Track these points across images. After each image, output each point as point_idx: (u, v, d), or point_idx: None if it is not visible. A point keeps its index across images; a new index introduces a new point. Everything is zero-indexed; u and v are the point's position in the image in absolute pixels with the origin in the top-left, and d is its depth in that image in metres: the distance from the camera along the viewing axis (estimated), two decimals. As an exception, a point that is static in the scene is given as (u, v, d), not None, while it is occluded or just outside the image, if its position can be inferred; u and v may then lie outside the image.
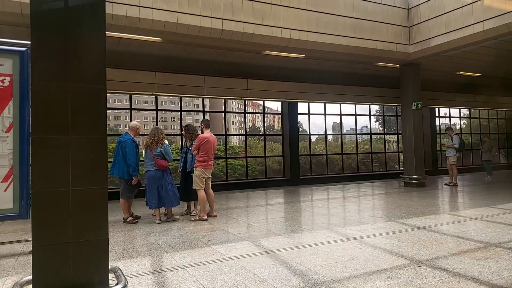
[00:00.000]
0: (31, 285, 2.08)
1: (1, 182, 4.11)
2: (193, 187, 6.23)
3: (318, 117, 13.47)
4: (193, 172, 6.59)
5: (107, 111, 2.34)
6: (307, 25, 8.19)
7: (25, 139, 4.15)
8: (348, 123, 14.66)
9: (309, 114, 13.08)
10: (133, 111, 10.39)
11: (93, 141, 2.16)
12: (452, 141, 10.75)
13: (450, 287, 2.93)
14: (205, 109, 12.15)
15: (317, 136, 13.93)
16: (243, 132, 12.38)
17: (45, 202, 2.06)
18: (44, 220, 2.06)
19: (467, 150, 15.99)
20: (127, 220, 6.12)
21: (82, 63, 2.19)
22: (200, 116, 11.85)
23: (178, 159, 7.78)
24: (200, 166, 6.16)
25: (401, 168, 14.19)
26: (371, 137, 14.64)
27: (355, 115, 14.23)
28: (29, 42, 2.06)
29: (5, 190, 4.12)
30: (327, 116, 13.59)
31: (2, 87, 4.11)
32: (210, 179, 6.44)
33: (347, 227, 5.40)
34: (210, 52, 9.34)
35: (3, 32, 6.96)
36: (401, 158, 14.07)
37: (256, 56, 9.77)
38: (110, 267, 2.24)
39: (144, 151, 6.17)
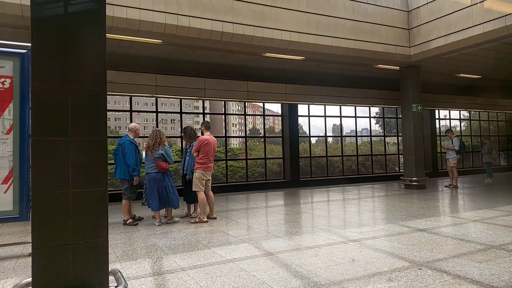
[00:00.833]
0: (30, 287, 2.08)
1: (1, 184, 4.10)
2: (193, 189, 6.23)
3: (318, 119, 13.48)
4: (188, 175, 6.59)
5: (107, 113, 2.34)
6: (307, 27, 8.20)
7: (25, 141, 4.16)
8: (348, 125, 14.65)
9: (309, 116, 13.09)
10: (133, 113, 10.40)
11: (93, 143, 2.16)
12: (452, 143, 10.75)
13: (450, 290, 2.93)
14: (205, 111, 12.16)
15: (317, 138, 13.93)
16: (243, 134, 12.38)
17: (45, 204, 2.06)
18: (44, 222, 2.06)
19: (467, 152, 15.99)
20: (127, 222, 6.11)
21: (83, 65, 2.19)
22: (200, 118, 11.86)
23: (179, 161, 7.78)
24: (200, 168, 6.16)
25: (401, 170, 14.18)
26: (371, 139, 14.64)
27: (355, 117, 14.25)
28: (30, 44, 2.06)
29: (5, 192, 4.11)
30: (327, 118, 13.60)
31: (3, 89, 4.12)
32: (210, 181, 6.44)
33: (347, 229, 5.39)
34: (210, 54, 9.35)
35: (4, 34, 6.98)
36: (401, 160, 14.07)
37: (256, 58, 9.79)
38: (110, 269, 2.24)
39: (145, 153, 6.17)
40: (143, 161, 6.44)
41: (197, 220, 6.13)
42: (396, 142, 15.43)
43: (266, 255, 4.09)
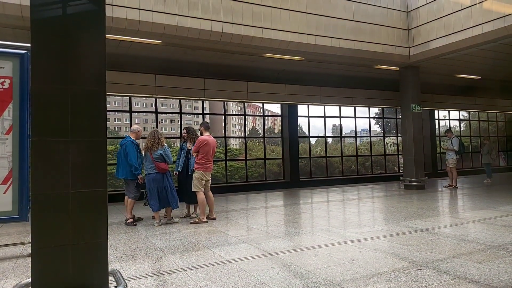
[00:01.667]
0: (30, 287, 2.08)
1: (1, 184, 4.10)
2: (192, 190, 6.23)
3: (318, 120, 13.49)
4: (188, 175, 6.61)
5: (107, 113, 2.34)
6: (306, 27, 8.21)
7: (24, 141, 4.16)
8: (348, 126, 14.65)
9: (308, 116, 13.09)
10: (133, 114, 10.39)
11: (93, 144, 2.16)
12: (451, 143, 10.76)
13: (450, 290, 2.93)
14: (205, 112, 12.16)
15: (316, 138, 13.93)
16: (243, 135, 12.38)
17: (44, 205, 2.06)
18: (43, 223, 2.06)
19: (466, 152, 16.00)
20: (127, 222, 6.12)
21: (82, 66, 2.19)
22: (200, 119, 11.85)
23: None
24: (200, 169, 6.16)
25: (400, 171, 14.19)
26: (370, 139, 14.65)
27: (355, 117, 14.25)
28: (29, 45, 2.06)
29: (4, 193, 4.11)
30: (326, 118, 13.61)
31: (2, 89, 4.12)
32: (210, 181, 6.44)
33: (347, 229, 5.39)
34: (210, 55, 9.35)
35: (4, 35, 6.98)
36: (401, 160, 14.08)
37: (256, 59, 9.79)
38: (109, 269, 2.23)
39: (144, 154, 6.18)
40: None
41: (197, 220, 6.13)
42: (396, 142, 15.44)
43: (265, 255, 4.09)
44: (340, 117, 13.94)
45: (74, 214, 2.10)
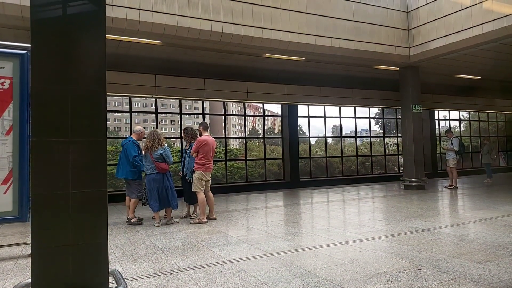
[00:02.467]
0: (30, 288, 2.08)
1: (1, 184, 4.10)
2: (192, 190, 6.23)
3: (318, 120, 13.49)
4: (188, 176, 6.60)
5: (107, 113, 2.34)
6: (306, 28, 8.21)
7: (24, 142, 4.16)
8: (348, 126, 14.65)
9: (308, 116, 13.09)
10: (132, 114, 10.39)
11: (93, 144, 2.16)
12: (452, 143, 10.76)
13: (450, 290, 2.93)
14: (205, 112, 12.16)
15: (316, 138, 13.93)
16: (243, 135, 12.38)
17: (44, 205, 2.06)
18: (43, 223, 2.06)
19: (466, 152, 16.00)
20: (132, 220, 6.12)
21: (82, 66, 2.19)
22: (200, 119, 11.85)
23: (179, 162, 7.77)
24: (200, 169, 6.15)
25: (401, 171, 14.19)
26: (370, 139, 14.65)
27: (355, 117, 14.25)
28: (29, 45, 2.06)
29: (4, 193, 4.11)
30: (326, 118, 13.61)
31: (2, 90, 4.12)
32: (210, 181, 6.43)
33: (347, 229, 5.39)
34: (210, 55, 9.36)
35: (4, 35, 6.98)
36: (401, 160, 14.07)
37: (256, 59, 9.80)
38: (109, 270, 2.23)
39: (144, 154, 6.18)
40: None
41: (197, 220, 6.13)
42: (396, 142, 15.44)
43: (266, 255, 4.09)
44: (340, 117, 13.94)
45: (74, 214, 2.09)
